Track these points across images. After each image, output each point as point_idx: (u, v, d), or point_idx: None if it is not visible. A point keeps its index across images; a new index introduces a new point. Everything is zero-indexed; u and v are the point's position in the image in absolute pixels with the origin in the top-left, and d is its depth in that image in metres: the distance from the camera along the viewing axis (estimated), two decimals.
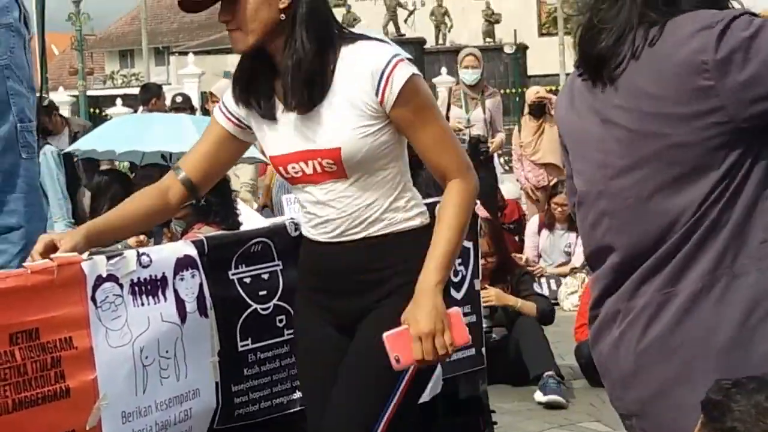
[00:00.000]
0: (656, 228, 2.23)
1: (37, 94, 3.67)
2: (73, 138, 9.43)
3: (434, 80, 27.67)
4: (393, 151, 2.86)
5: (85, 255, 2.78)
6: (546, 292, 8.73)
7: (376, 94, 2.75)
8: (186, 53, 37.48)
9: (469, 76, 10.16)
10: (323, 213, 2.90)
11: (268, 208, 9.58)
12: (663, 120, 2.20)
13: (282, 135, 2.88)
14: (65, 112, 16.81)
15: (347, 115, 2.78)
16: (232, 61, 42.51)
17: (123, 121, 10.28)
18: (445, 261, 2.80)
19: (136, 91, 16.04)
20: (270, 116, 2.89)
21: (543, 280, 9.42)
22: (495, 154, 10.62)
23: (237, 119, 2.99)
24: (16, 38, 3.41)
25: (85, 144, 8.69)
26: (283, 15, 2.76)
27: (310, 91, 2.77)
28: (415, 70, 2.79)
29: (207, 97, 11.68)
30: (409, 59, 2.84)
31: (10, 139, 3.38)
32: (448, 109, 10.05)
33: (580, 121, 2.41)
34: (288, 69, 2.77)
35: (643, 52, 2.24)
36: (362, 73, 2.76)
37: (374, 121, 2.79)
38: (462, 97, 10.18)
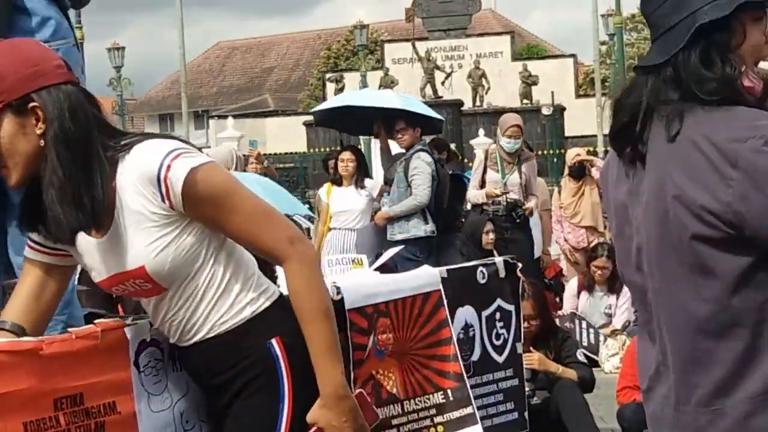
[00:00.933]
0: None
1: None
2: None
3: (471, 142, 27.86)
4: (206, 250, 2.68)
5: (129, 320, 2.80)
6: (584, 342, 8.70)
7: (163, 200, 2.57)
8: (225, 117, 37.95)
9: (511, 146, 9.98)
10: (157, 321, 2.80)
11: None
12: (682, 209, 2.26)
13: (94, 260, 2.72)
14: None
15: (142, 230, 2.61)
16: (269, 125, 43.02)
17: None
18: (324, 357, 2.65)
19: None
20: (70, 243, 2.70)
21: (583, 332, 9.37)
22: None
23: (50, 248, 2.78)
24: None
25: None
26: (42, 141, 2.56)
27: (84, 216, 2.57)
28: (195, 161, 2.58)
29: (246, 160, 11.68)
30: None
31: None
32: (485, 172, 10.02)
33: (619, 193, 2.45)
34: (51, 198, 2.56)
35: (661, 139, 2.29)
36: (142, 184, 2.57)
37: (173, 227, 2.62)
38: (498, 161, 10.07)
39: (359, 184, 9.87)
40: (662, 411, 2.37)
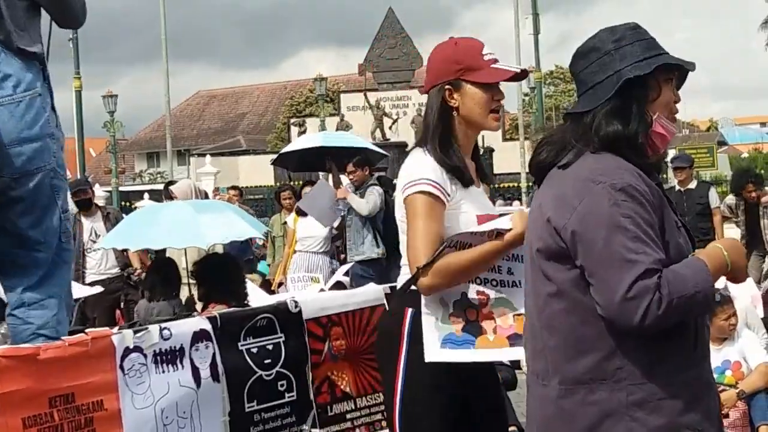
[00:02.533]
0: None
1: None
2: (106, 217, 9.45)
3: None
4: None
5: (115, 329, 2.79)
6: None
7: None
8: (204, 155, 37.71)
9: None
10: None
11: (283, 285, 9.62)
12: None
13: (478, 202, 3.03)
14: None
15: None
16: (242, 163, 42.64)
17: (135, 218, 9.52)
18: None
19: (161, 186, 16.09)
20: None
21: None
22: None
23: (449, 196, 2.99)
24: (57, 143, 3.50)
25: (107, 242, 8.39)
26: None
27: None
28: None
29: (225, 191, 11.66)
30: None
31: (54, 229, 3.47)
32: None
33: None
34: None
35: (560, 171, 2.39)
36: None
37: None
38: None
39: None
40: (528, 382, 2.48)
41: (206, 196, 10.59)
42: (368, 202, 9.08)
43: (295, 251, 9.96)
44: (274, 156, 13.40)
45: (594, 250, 2.20)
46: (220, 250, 8.74)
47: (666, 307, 2.14)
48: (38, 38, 3.57)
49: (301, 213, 10.01)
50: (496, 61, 3.10)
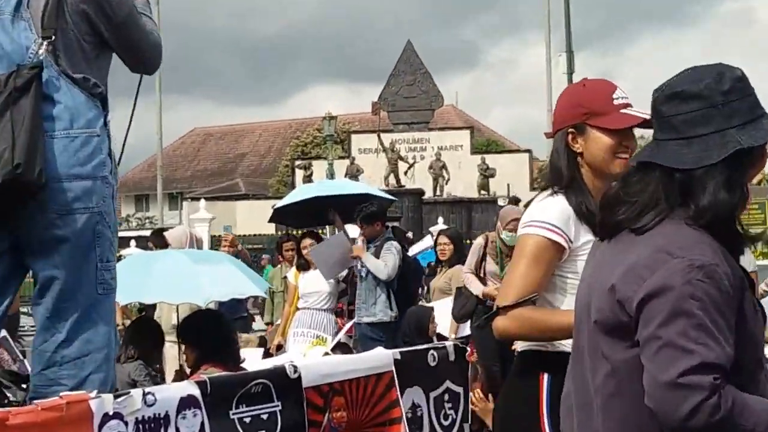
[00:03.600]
0: None
1: None
2: None
3: (431, 229, 27.89)
4: None
5: (93, 393, 2.79)
6: None
7: None
8: (198, 199, 37.87)
9: (511, 239, 8.92)
10: None
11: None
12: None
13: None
14: None
15: None
16: (240, 208, 42.76)
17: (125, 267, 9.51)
18: None
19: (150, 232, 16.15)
20: None
21: None
22: None
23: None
24: (110, 188, 3.65)
25: None
26: None
27: None
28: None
29: (220, 240, 11.75)
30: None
31: (90, 278, 3.58)
32: (483, 259, 9.29)
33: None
34: None
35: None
36: None
37: None
38: (498, 253, 9.29)
39: None
40: None
41: (202, 246, 10.64)
42: (387, 265, 9.02)
43: (297, 308, 9.91)
44: (276, 202, 13.46)
45: (650, 327, 2.19)
46: (212, 306, 8.75)
47: (720, 421, 2.11)
48: (103, 79, 3.73)
49: (302, 268, 9.97)
50: (627, 105, 3.21)
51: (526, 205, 3.42)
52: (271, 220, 12.92)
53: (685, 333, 2.14)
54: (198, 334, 5.30)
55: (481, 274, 9.17)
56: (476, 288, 9.01)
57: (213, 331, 5.27)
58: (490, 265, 9.34)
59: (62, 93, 3.53)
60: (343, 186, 10.46)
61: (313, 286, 9.74)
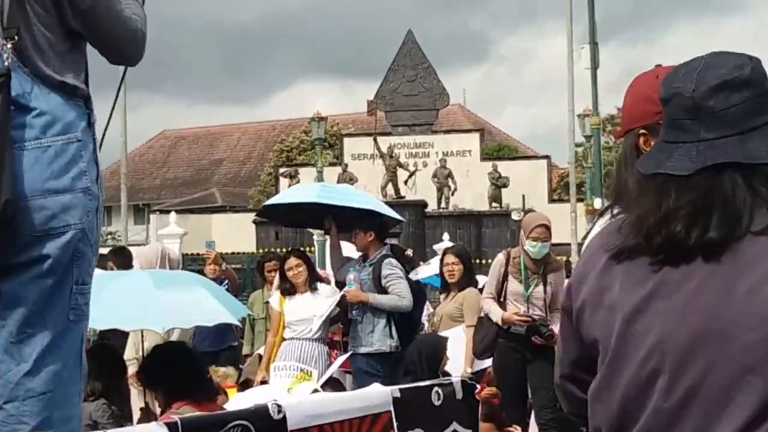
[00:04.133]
0: None
1: None
2: None
3: (435, 246, 27.90)
4: None
5: None
6: None
7: None
8: (168, 211, 37.93)
9: (537, 249, 8.93)
10: None
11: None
12: None
13: None
14: None
15: None
16: (216, 222, 42.78)
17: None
18: None
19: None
20: None
21: None
22: None
23: None
24: (93, 201, 3.61)
25: None
26: None
27: None
28: None
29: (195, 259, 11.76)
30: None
31: (62, 302, 3.54)
32: (505, 279, 9.08)
33: None
34: None
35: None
36: None
37: None
38: (522, 269, 9.08)
39: (312, 288, 9.79)
40: None
41: (178, 266, 10.61)
42: (402, 296, 9.00)
43: (282, 339, 9.80)
44: (255, 215, 13.52)
45: None
46: (176, 336, 8.75)
47: None
48: (81, 74, 3.70)
49: (287, 293, 9.88)
50: None
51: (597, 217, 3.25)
52: (258, 215, 13.07)
53: None
54: (161, 371, 5.30)
55: (501, 298, 8.99)
56: (496, 314, 8.86)
57: (177, 363, 5.28)
58: (513, 284, 9.11)
59: (33, 97, 3.51)
60: (347, 196, 10.25)
61: (302, 312, 9.56)
